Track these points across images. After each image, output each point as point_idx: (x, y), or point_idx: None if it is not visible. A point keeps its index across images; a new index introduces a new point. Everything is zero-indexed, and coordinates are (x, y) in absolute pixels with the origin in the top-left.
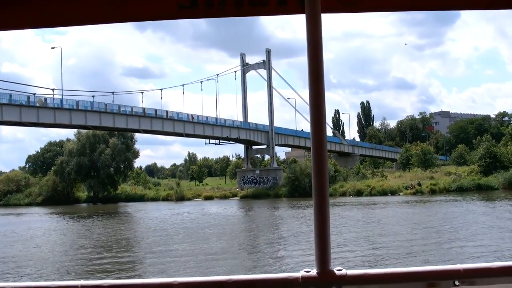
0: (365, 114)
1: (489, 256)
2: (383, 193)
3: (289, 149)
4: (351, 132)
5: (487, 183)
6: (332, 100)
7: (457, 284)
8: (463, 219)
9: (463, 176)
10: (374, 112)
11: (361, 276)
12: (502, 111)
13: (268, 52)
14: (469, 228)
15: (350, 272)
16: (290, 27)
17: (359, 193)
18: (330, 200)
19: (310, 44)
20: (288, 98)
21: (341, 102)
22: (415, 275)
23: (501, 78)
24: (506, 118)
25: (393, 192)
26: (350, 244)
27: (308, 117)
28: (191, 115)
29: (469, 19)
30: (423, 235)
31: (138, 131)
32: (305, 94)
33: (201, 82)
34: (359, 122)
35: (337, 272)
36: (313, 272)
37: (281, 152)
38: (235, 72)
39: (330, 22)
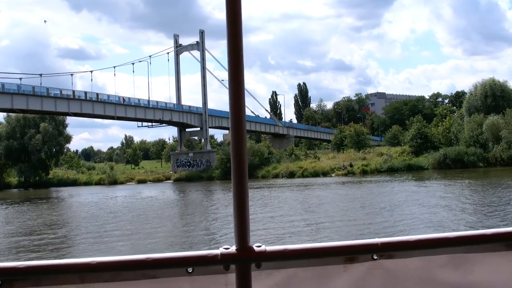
0: (302, 96)
1: (410, 230)
2: (315, 174)
3: (226, 131)
4: (289, 113)
5: (417, 163)
6: (271, 82)
7: (375, 258)
8: (387, 198)
9: (394, 157)
10: (312, 93)
11: (280, 252)
12: (436, 92)
13: (201, 33)
14: (392, 206)
15: (269, 248)
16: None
17: (291, 175)
18: (263, 182)
19: (229, 19)
20: (222, 80)
21: (280, 84)
22: (334, 250)
23: (436, 60)
24: (440, 99)
25: (325, 173)
26: (273, 222)
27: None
28: (123, 97)
29: (406, 1)
30: (347, 213)
31: (68, 114)
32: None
33: (133, 64)
34: (296, 104)
35: (256, 249)
36: (232, 248)
37: (219, 134)
38: (168, 53)
39: (269, 3)
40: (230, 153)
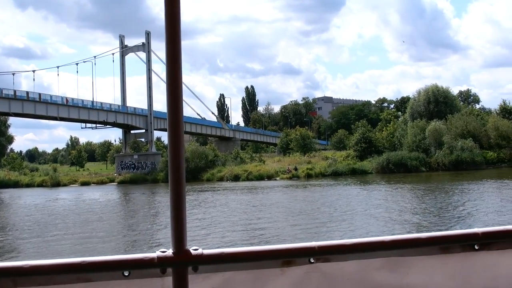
0: (250, 99)
1: (348, 234)
2: (260, 177)
3: None
4: (237, 116)
5: (361, 167)
6: (219, 84)
7: (312, 261)
8: (329, 201)
9: (339, 161)
10: (261, 96)
11: (217, 255)
12: (382, 97)
13: (147, 34)
14: (333, 209)
15: (207, 251)
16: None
17: (236, 178)
18: (207, 185)
19: (167, 18)
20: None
21: (228, 86)
22: (271, 253)
23: (383, 65)
24: (385, 104)
25: (270, 177)
26: (214, 226)
27: (189, 101)
28: (66, 98)
29: (354, 6)
30: (288, 216)
31: (9, 114)
32: (191, 78)
33: (77, 64)
34: (244, 107)
35: (193, 252)
36: (169, 252)
37: (166, 137)
38: (113, 54)
39: (218, 5)
40: (168, 155)
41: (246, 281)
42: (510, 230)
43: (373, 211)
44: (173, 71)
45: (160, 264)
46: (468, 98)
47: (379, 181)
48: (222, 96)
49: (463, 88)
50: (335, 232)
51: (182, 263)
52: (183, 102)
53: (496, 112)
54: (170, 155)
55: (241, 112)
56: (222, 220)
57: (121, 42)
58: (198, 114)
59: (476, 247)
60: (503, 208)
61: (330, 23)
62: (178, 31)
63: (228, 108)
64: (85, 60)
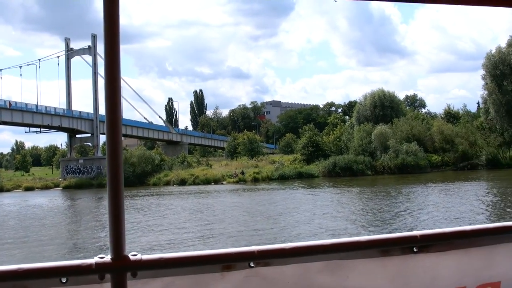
0: (198, 103)
1: (290, 238)
2: (207, 181)
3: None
4: (186, 120)
5: (308, 171)
6: (168, 88)
7: (252, 265)
8: (273, 205)
9: (286, 165)
10: (210, 100)
11: (156, 261)
12: (330, 102)
13: (93, 37)
14: (276, 213)
15: (145, 257)
16: (125, 13)
17: (183, 182)
18: (153, 189)
19: (106, 21)
20: None
21: (177, 90)
22: (211, 258)
23: (332, 70)
24: (333, 109)
25: (217, 181)
26: (156, 231)
27: (137, 105)
28: (9, 101)
29: (303, 12)
30: (230, 221)
31: None
32: (140, 81)
33: (21, 67)
34: (192, 111)
35: (131, 257)
36: (108, 258)
37: None
38: (58, 57)
39: (167, 9)
40: (106, 160)
41: (186, 286)
42: (448, 232)
43: (316, 214)
44: (111, 74)
45: (98, 270)
46: (415, 102)
47: (325, 185)
48: (170, 100)
49: (410, 92)
50: (277, 236)
51: (120, 269)
52: (131, 106)
53: (441, 116)
54: (109, 160)
55: (189, 116)
56: (165, 225)
57: (67, 45)
58: (145, 118)
59: (415, 250)
60: (443, 211)
61: (279, 28)
62: (117, 32)
63: (176, 112)
64: (29, 63)
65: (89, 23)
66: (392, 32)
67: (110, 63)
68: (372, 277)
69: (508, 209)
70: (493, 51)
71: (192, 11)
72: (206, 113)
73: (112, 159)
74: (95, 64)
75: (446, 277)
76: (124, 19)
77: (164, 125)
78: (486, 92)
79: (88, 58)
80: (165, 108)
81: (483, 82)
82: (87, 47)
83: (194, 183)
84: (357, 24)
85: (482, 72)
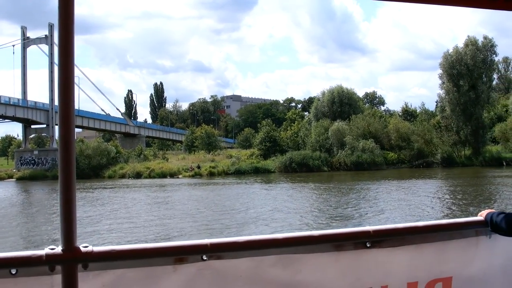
0: (158, 96)
1: (245, 231)
2: (163, 175)
3: (76, 129)
4: (145, 113)
5: (264, 166)
6: (129, 80)
7: (205, 258)
8: (227, 199)
9: (242, 159)
10: (171, 93)
11: (108, 253)
12: (289, 97)
13: (51, 27)
14: (228, 207)
15: (97, 248)
16: (86, 3)
17: (138, 175)
18: (108, 182)
19: (61, 10)
20: None
21: (138, 83)
22: (163, 250)
23: (293, 65)
24: (293, 104)
25: (172, 174)
26: (108, 223)
27: (96, 96)
28: None
29: (266, 7)
30: (184, 214)
31: None
32: (100, 73)
33: None
34: (152, 104)
35: (82, 249)
36: (58, 249)
37: None
38: (14, 46)
39: (129, 0)
40: (58, 151)
41: (138, 278)
42: (401, 228)
43: (270, 209)
44: (65, 64)
45: (48, 262)
46: (374, 100)
47: (280, 180)
48: (130, 92)
49: (371, 90)
50: (230, 230)
51: (71, 260)
52: (90, 98)
53: (398, 114)
54: (60, 151)
55: (149, 109)
56: (118, 218)
57: (23, 33)
58: (103, 110)
59: (368, 245)
60: (397, 207)
61: (241, 22)
62: (71, 22)
63: (136, 105)
64: None
65: (48, 12)
66: (354, 30)
67: (64, 53)
68: (324, 272)
69: (460, 206)
70: (451, 50)
71: (155, 3)
72: (166, 106)
73: (64, 151)
74: (51, 54)
75: (398, 272)
76: (85, 9)
77: (122, 117)
78: (443, 91)
79: (45, 47)
80: (125, 100)
81: (440, 81)
82: (44, 36)
83: (149, 176)
84: (320, 20)
85: (440, 71)
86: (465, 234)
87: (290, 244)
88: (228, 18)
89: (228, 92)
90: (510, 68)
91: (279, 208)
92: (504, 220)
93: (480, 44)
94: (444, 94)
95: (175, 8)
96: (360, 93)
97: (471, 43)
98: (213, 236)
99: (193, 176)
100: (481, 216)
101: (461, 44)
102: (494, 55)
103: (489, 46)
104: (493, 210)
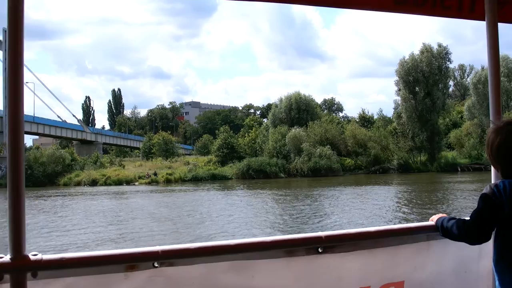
0: (116, 102)
1: (198, 238)
2: (119, 182)
3: (34, 136)
4: (104, 120)
5: (221, 173)
6: (87, 87)
7: (157, 265)
8: (180, 206)
9: (200, 166)
10: (130, 100)
11: (57, 261)
12: (248, 104)
13: (5, 32)
14: (182, 215)
15: (46, 256)
16: (44, 8)
17: (94, 183)
18: (63, 189)
19: (10, 20)
20: (26, 82)
21: (97, 89)
22: (114, 258)
23: (253, 72)
24: (252, 110)
25: (129, 182)
26: (59, 232)
27: (53, 103)
28: None
29: (226, 13)
30: (133, 222)
31: None
32: (58, 79)
33: None
34: (110, 110)
35: (32, 257)
36: (7, 257)
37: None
38: None
39: (88, 6)
40: (7, 158)
41: (89, 286)
42: (353, 233)
43: (224, 216)
44: (13, 70)
45: None
46: (332, 106)
47: (236, 187)
48: (88, 99)
49: (329, 96)
50: (183, 237)
51: (19, 269)
52: (45, 104)
53: (355, 120)
54: (9, 158)
55: (107, 116)
56: (70, 226)
57: None
58: (59, 116)
59: (320, 250)
60: (351, 213)
61: (201, 29)
62: (20, 26)
63: (94, 111)
64: None
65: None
66: (313, 37)
67: (13, 59)
68: (277, 277)
69: (412, 211)
70: (407, 57)
71: (113, 8)
72: (124, 113)
73: (12, 158)
74: (6, 59)
75: (351, 277)
76: (43, 14)
77: (78, 124)
78: (399, 97)
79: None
80: (82, 107)
81: (396, 88)
82: None
83: (105, 183)
84: (279, 27)
85: (396, 78)
86: (417, 238)
87: (243, 250)
88: (187, 24)
89: (188, 99)
90: (466, 75)
91: (234, 214)
92: (456, 225)
93: (435, 51)
94: (400, 101)
95: (134, 14)
96: (319, 99)
97: (427, 50)
98: (166, 243)
99: (149, 183)
100: (432, 220)
101: (417, 52)
102: (449, 62)
103: (443, 54)
104: (444, 215)
